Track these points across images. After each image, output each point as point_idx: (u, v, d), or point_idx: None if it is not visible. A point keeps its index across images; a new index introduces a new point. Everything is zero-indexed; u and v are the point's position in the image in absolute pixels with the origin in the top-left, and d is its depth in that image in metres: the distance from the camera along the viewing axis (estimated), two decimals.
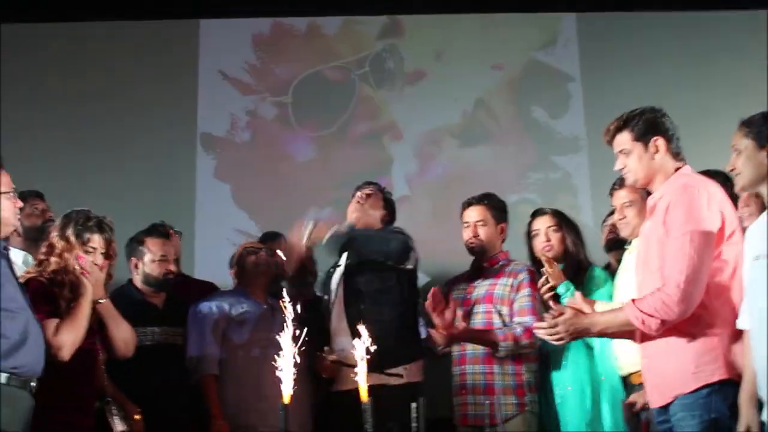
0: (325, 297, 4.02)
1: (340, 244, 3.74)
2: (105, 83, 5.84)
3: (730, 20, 5.97)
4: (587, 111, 5.93)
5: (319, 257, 4.49)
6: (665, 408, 2.82)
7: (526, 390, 3.73)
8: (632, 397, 3.46)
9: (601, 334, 2.99)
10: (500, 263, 3.94)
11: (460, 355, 3.81)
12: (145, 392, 3.57)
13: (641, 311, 2.73)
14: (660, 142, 2.93)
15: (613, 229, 3.95)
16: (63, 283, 3.20)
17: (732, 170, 2.72)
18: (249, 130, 6.00)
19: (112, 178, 5.58)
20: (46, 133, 5.68)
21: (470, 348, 3.79)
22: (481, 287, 3.88)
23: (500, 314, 3.80)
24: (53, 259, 3.26)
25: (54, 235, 3.31)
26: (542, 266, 3.72)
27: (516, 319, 3.78)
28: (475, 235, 3.95)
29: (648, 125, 2.96)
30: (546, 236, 3.92)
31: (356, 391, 2.68)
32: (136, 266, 3.90)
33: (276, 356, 2.59)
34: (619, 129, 2.98)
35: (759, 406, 2.59)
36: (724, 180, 3.02)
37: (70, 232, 3.30)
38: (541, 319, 3.63)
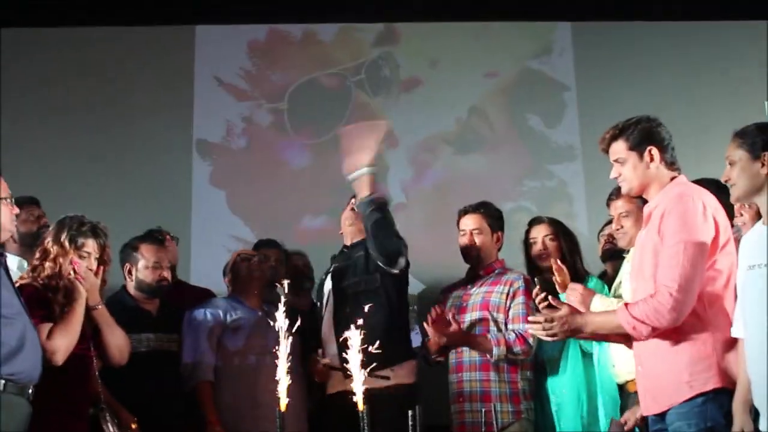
0: (318, 303, 4.06)
1: (373, 206, 3.76)
2: (100, 89, 5.85)
3: (725, 30, 6.01)
4: (582, 120, 5.96)
5: (315, 264, 4.54)
6: (661, 416, 2.84)
7: (522, 398, 3.75)
8: (625, 416, 3.46)
9: (594, 335, 3.00)
10: (496, 271, 3.95)
11: (456, 362, 3.82)
12: (140, 399, 3.55)
13: (633, 317, 2.74)
14: (655, 151, 2.95)
15: (610, 238, 3.97)
16: (57, 287, 3.20)
17: (726, 181, 2.73)
18: (245, 137, 6.01)
19: (108, 185, 5.59)
20: (42, 140, 5.68)
21: (467, 356, 3.80)
22: (477, 295, 3.90)
23: (496, 322, 3.81)
24: (47, 264, 3.26)
25: (48, 241, 3.32)
26: (538, 274, 3.76)
27: (510, 326, 3.80)
28: (471, 244, 3.97)
29: (643, 135, 2.97)
30: (543, 245, 3.95)
31: (348, 393, 2.69)
32: (129, 272, 3.89)
33: (271, 363, 2.61)
34: (614, 138, 2.99)
35: (753, 413, 2.61)
36: (718, 188, 3.02)
37: (64, 237, 3.30)
38: None
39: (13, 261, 3.80)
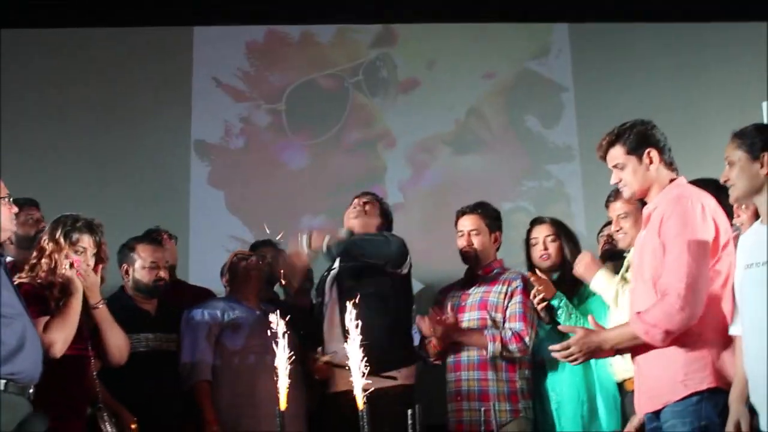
0: (319, 300, 4.05)
1: (341, 249, 3.76)
2: (99, 90, 5.84)
3: (722, 31, 6.01)
4: (580, 121, 5.97)
5: (314, 264, 4.54)
6: (656, 414, 2.85)
7: (520, 396, 3.75)
8: (627, 429, 3.45)
9: (616, 350, 2.96)
10: (495, 271, 3.96)
11: (455, 362, 3.83)
12: (139, 399, 3.56)
13: (645, 322, 2.74)
14: (653, 153, 2.95)
15: (609, 239, 3.98)
16: (53, 283, 3.22)
17: (726, 182, 2.74)
18: (243, 138, 6.01)
19: (106, 185, 5.59)
20: (41, 141, 5.68)
21: (465, 355, 3.80)
22: (475, 294, 3.91)
23: (494, 321, 3.82)
24: (43, 261, 3.27)
25: (44, 239, 3.33)
26: (540, 273, 3.80)
27: (507, 324, 3.80)
28: (469, 245, 3.97)
29: (640, 138, 2.97)
30: (544, 245, 3.94)
31: (349, 392, 2.70)
32: (126, 272, 3.89)
33: (270, 362, 2.61)
34: (611, 143, 2.99)
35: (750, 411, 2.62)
36: (717, 188, 3.03)
37: (59, 234, 3.32)
38: (532, 326, 3.77)
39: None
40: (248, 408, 3.74)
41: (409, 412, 2.64)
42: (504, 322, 3.81)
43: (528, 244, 4.01)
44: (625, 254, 3.73)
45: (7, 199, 2.95)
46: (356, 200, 4.08)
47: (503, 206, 4.22)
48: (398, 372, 3.69)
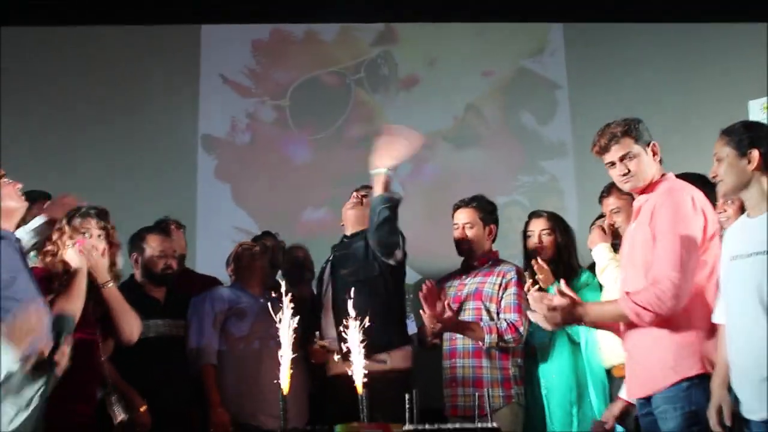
0: (319, 290, 4.07)
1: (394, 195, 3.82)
2: (110, 86, 5.86)
3: (711, 32, 6.01)
4: (573, 117, 5.98)
5: (315, 254, 4.56)
6: (647, 400, 2.86)
7: (513, 383, 3.76)
8: (604, 416, 3.45)
9: (592, 324, 3.02)
10: (490, 262, 3.96)
11: (450, 349, 3.84)
12: (148, 382, 3.58)
13: (636, 304, 2.75)
14: (657, 147, 2.98)
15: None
16: (55, 264, 3.21)
17: (714, 177, 2.74)
18: (248, 132, 6.02)
19: (116, 178, 5.60)
20: (53, 135, 5.69)
21: (460, 343, 3.81)
22: (471, 285, 3.91)
23: (488, 311, 3.82)
24: (49, 246, 3.27)
25: (54, 230, 3.34)
26: (533, 266, 3.81)
27: (502, 315, 3.81)
28: (463, 237, 3.98)
29: (644, 131, 2.99)
30: (539, 238, 3.96)
31: (346, 376, 2.72)
32: (136, 261, 3.91)
33: (274, 348, 2.63)
34: (625, 133, 2.96)
35: (733, 398, 2.63)
36: (703, 183, 3.05)
37: (64, 221, 3.33)
38: (526, 317, 3.70)
39: None
40: (252, 391, 3.76)
41: (407, 396, 2.66)
42: (498, 313, 3.82)
43: (525, 236, 4.02)
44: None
45: (5, 179, 2.94)
46: (355, 193, 4.08)
47: (499, 200, 4.22)
48: (388, 355, 3.68)
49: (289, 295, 2.71)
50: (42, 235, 3.35)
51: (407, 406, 2.66)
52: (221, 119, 6.00)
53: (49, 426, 2.92)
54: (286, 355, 2.60)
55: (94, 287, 3.30)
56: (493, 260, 3.98)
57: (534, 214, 4.06)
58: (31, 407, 2.59)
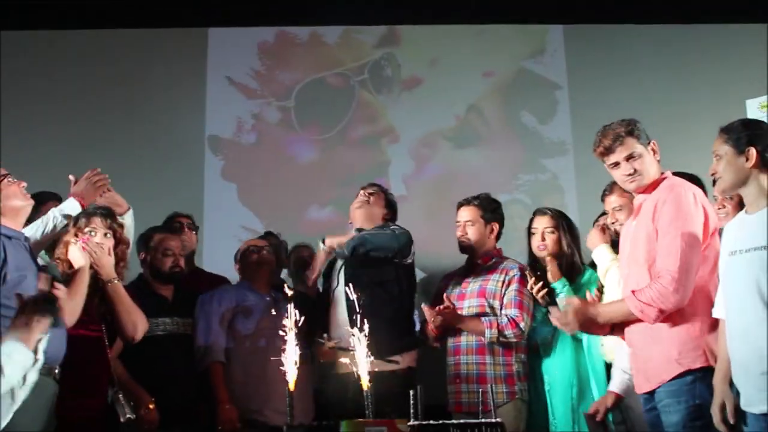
0: (325, 287, 4.05)
1: (351, 246, 3.80)
2: (120, 87, 5.85)
3: (708, 33, 6.01)
4: (573, 117, 5.96)
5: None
6: (651, 395, 2.85)
7: (516, 379, 3.74)
8: (593, 407, 3.43)
9: (606, 324, 2.99)
10: (493, 260, 3.94)
11: (454, 346, 3.82)
12: (156, 379, 3.57)
13: (641, 301, 2.77)
14: (656, 146, 2.98)
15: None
16: (58, 260, 3.20)
17: (713, 174, 2.73)
18: (254, 133, 6.01)
19: (125, 179, 5.51)
20: (64, 136, 5.68)
21: (464, 340, 3.80)
22: (475, 282, 3.89)
23: (492, 308, 3.81)
24: (57, 249, 3.26)
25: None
26: (537, 262, 3.82)
27: (503, 311, 3.79)
28: (464, 235, 3.95)
29: (643, 131, 3.00)
30: (542, 236, 3.91)
31: (353, 374, 2.71)
32: (145, 260, 3.89)
33: (280, 345, 2.62)
34: (629, 133, 2.97)
35: (734, 391, 2.61)
36: (695, 182, 3.06)
37: (71, 222, 3.33)
38: (528, 313, 3.76)
39: None
40: (259, 387, 3.75)
41: (411, 393, 2.65)
42: (501, 309, 3.80)
43: (529, 233, 3.99)
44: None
45: (9, 178, 2.93)
46: (362, 191, 4.07)
47: (501, 198, 4.19)
48: (401, 356, 3.70)
49: (295, 292, 2.70)
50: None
51: (412, 402, 2.65)
52: (227, 120, 5.98)
53: (60, 420, 2.92)
54: (292, 353, 2.58)
55: (100, 284, 3.28)
56: (496, 258, 3.96)
57: (538, 212, 4.02)
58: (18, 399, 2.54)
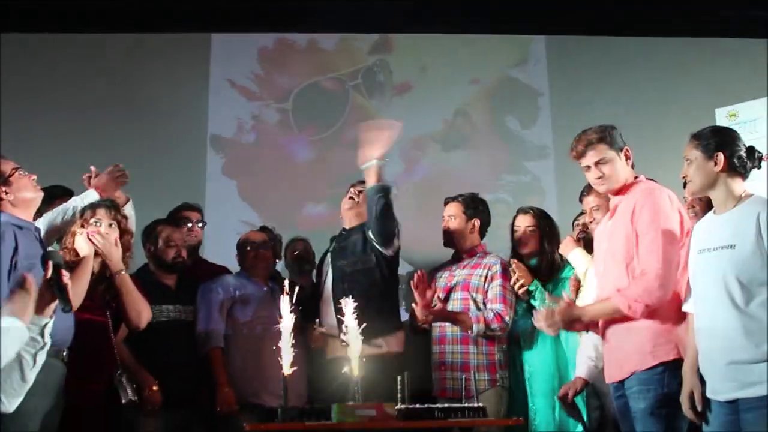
0: (318, 279, 4.05)
1: (376, 188, 3.79)
2: (125, 90, 5.83)
3: (683, 45, 6.05)
4: (555, 122, 6.00)
5: (315, 247, 4.54)
6: (621, 383, 2.87)
7: (498, 368, 3.74)
8: (562, 390, 3.38)
9: (590, 323, 3.00)
10: (477, 255, 3.94)
11: (439, 336, 3.82)
12: (160, 363, 3.57)
13: (628, 297, 2.78)
14: (630, 152, 2.99)
15: (584, 228, 3.96)
16: (65, 249, 3.19)
17: (684, 177, 2.75)
18: (254, 133, 6.01)
19: (131, 176, 5.55)
20: (70, 135, 5.65)
21: (449, 330, 3.79)
22: (459, 276, 3.89)
23: (475, 301, 3.80)
24: (67, 239, 3.25)
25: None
26: (519, 259, 3.84)
27: (488, 305, 3.79)
28: (446, 228, 3.97)
29: (618, 137, 3.00)
30: (524, 234, 3.93)
31: (342, 359, 2.71)
32: (149, 251, 3.89)
33: (276, 332, 2.62)
34: (600, 140, 2.97)
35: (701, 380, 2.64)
36: None
37: (78, 215, 3.33)
38: (511, 306, 3.76)
39: None
40: (256, 372, 3.74)
41: (398, 378, 2.65)
42: (485, 303, 3.80)
43: (512, 230, 3.99)
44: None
45: (20, 171, 2.91)
46: (352, 189, 4.04)
47: (485, 197, 4.21)
48: (383, 339, 3.67)
49: (290, 283, 2.71)
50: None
51: (399, 387, 2.66)
52: (229, 120, 5.99)
53: (66, 403, 2.91)
54: (287, 340, 2.59)
55: (106, 273, 3.28)
56: (480, 253, 3.96)
57: (521, 210, 4.02)
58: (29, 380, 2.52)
